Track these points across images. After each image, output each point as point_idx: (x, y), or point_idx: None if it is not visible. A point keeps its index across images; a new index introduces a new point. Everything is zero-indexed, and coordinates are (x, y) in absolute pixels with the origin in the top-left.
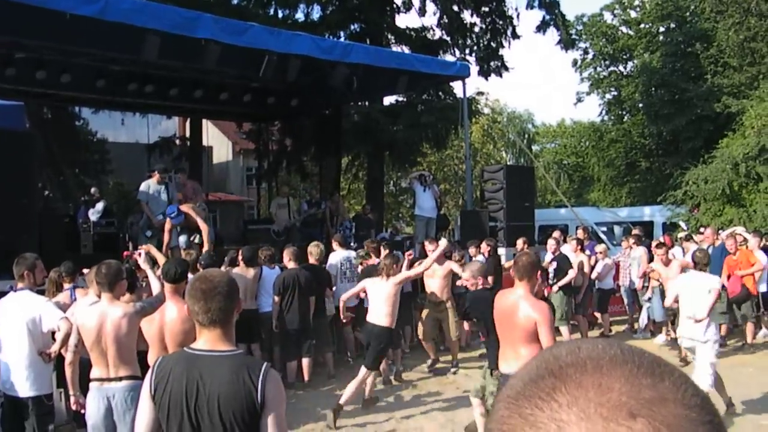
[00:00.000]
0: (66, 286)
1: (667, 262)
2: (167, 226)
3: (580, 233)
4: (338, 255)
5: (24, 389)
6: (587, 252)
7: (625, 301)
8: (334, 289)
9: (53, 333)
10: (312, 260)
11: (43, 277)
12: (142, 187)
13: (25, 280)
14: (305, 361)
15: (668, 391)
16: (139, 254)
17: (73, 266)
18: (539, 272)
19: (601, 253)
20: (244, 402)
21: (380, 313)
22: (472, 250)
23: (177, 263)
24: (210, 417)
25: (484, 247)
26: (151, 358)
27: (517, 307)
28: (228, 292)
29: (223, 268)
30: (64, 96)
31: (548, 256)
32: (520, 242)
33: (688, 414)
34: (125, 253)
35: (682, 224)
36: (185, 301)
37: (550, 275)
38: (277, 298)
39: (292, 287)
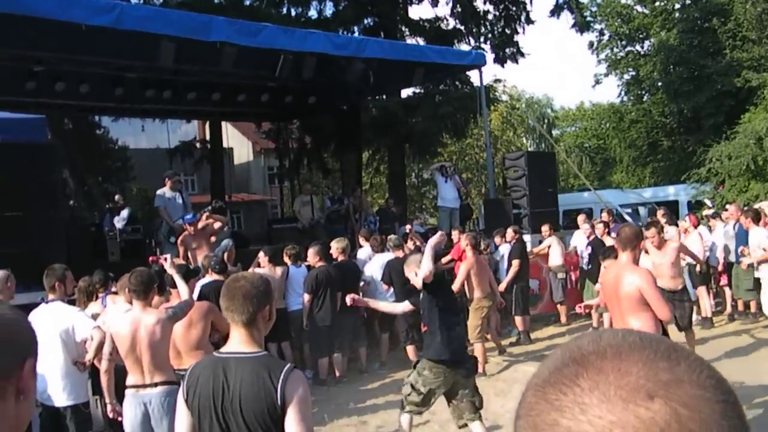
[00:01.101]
0: (100, 295)
1: (659, 245)
2: (191, 231)
3: (605, 216)
4: (366, 251)
5: (61, 399)
6: (612, 235)
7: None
8: (363, 284)
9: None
10: (338, 256)
11: (73, 287)
12: (159, 193)
13: (56, 292)
14: (337, 357)
15: (684, 373)
16: (165, 259)
17: (105, 275)
18: (641, 242)
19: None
20: (265, 403)
21: None
22: (497, 239)
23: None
24: (235, 419)
25: (510, 234)
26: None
27: (621, 276)
28: (260, 292)
29: (250, 270)
30: (84, 106)
31: (582, 241)
32: (545, 228)
33: (703, 394)
34: (151, 258)
35: (708, 202)
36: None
37: (585, 260)
38: (308, 296)
39: (325, 285)
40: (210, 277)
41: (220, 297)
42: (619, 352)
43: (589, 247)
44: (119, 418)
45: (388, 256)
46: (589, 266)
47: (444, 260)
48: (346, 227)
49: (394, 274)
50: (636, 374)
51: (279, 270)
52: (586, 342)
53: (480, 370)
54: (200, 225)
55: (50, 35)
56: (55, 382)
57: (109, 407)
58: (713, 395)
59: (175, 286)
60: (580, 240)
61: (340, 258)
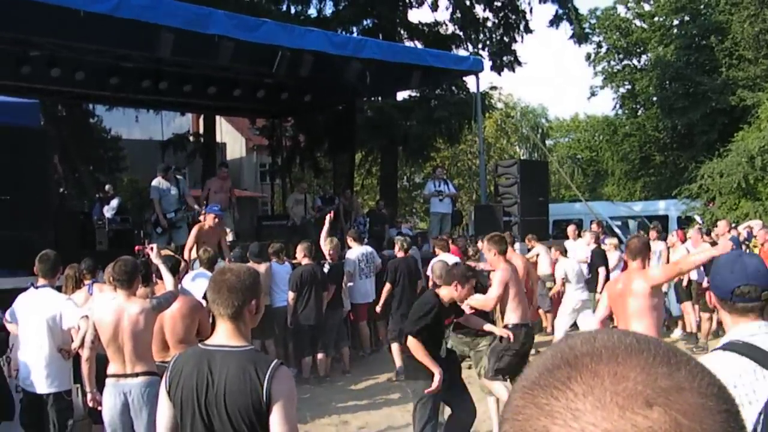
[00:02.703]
0: (86, 282)
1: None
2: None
3: (594, 227)
4: (355, 251)
5: (43, 386)
6: (604, 245)
7: None
8: (350, 284)
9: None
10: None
11: (60, 275)
12: (154, 183)
13: (48, 278)
14: (320, 357)
15: (684, 380)
16: (151, 248)
17: (93, 263)
18: (650, 252)
19: (612, 245)
20: (250, 399)
21: None
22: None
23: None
24: (218, 412)
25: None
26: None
27: (629, 281)
28: (248, 285)
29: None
30: (78, 93)
31: (582, 250)
32: (528, 240)
33: (704, 403)
34: (137, 247)
35: (698, 218)
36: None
37: (584, 271)
38: (292, 294)
39: (309, 283)
40: (202, 271)
41: (207, 290)
42: (615, 355)
43: (589, 257)
44: (99, 407)
45: (365, 248)
46: (589, 275)
47: None
48: (335, 227)
49: (401, 274)
50: (633, 379)
51: (263, 266)
52: (579, 342)
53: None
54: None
55: (48, 20)
56: (38, 369)
57: (89, 396)
58: (716, 404)
59: (161, 277)
60: (579, 249)
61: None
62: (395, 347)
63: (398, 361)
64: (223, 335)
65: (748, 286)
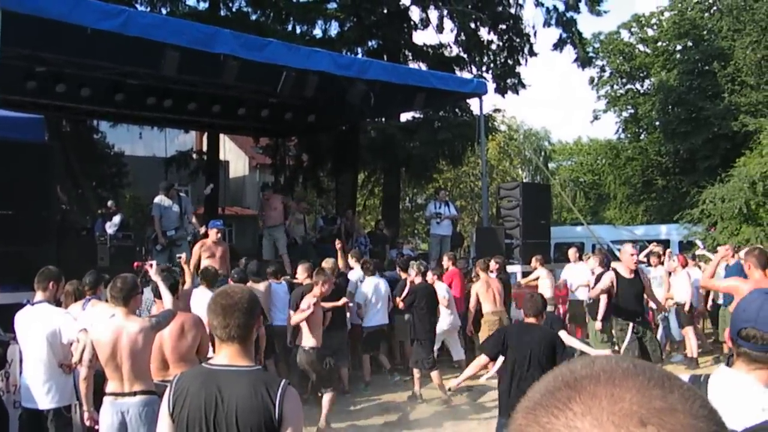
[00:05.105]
0: (88, 296)
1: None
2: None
3: (597, 252)
4: (356, 273)
5: (44, 401)
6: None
7: None
8: (350, 304)
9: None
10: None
11: (61, 292)
12: (156, 200)
13: (48, 292)
14: None
15: (677, 402)
16: (150, 265)
17: (96, 278)
18: None
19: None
20: (262, 418)
21: None
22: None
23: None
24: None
25: (493, 264)
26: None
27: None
28: (248, 308)
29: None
30: (83, 109)
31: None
32: (535, 260)
33: (695, 424)
34: (136, 263)
35: (699, 243)
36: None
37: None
38: (293, 313)
39: None
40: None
41: (207, 312)
42: (612, 377)
43: (593, 281)
44: (96, 426)
45: (378, 279)
46: (591, 300)
47: None
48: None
49: (421, 299)
50: (629, 400)
51: (262, 285)
52: (579, 366)
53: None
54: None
55: (55, 36)
56: (38, 384)
57: (85, 414)
58: (706, 426)
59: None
60: (581, 273)
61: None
62: (416, 373)
63: (417, 387)
64: (227, 356)
65: (755, 329)
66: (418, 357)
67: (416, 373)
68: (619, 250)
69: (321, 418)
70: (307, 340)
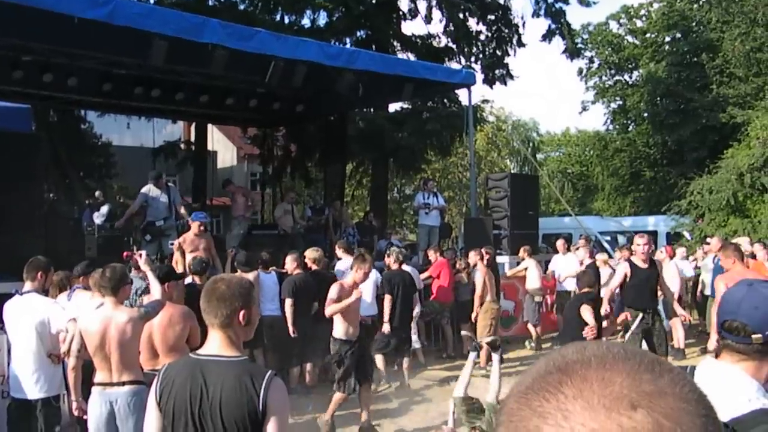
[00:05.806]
0: (75, 285)
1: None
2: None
3: (582, 242)
4: (345, 263)
5: (33, 391)
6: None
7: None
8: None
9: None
10: (312, 265)
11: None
12: (143, 189)
13: (36, 282)
14: (308, 367)
15: (667, 385)
16: (140, 255)
17: (86, 268)
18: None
19: (603, 261)
20: (246, 409)
21: None
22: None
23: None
24: (213, 423)
25: (483, 254)
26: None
27: None
28: (239, 296)
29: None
30: (71, 99)
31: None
32: (523, 250)
33: (685, 407)
34: (125, 253)
35: (686, 234)
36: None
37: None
38: (290, 301)
39: (301, 293)
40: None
41: (200, 299)
42: (603, 362)
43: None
44: (84, 416)
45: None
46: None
47: (422, 276)
48: (325, 237)
49: (396, 286)
50: (620, 384)
51: (251, 275)
52: (571, 351)
53: (483, 362)
54: None
55: (41, 25)
56: (27, 374)
57: (74, 405)
58: (695, 409)
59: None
60: (569, 264)
61: (314, 267)
62: (379, 358)
63: (382, 371)
64: (216, 345)
65: (737, 321)
66: (384, 341)
67: (379, 357)
68: (607, 241)
69: (326, 414)
70: (345, 331)
